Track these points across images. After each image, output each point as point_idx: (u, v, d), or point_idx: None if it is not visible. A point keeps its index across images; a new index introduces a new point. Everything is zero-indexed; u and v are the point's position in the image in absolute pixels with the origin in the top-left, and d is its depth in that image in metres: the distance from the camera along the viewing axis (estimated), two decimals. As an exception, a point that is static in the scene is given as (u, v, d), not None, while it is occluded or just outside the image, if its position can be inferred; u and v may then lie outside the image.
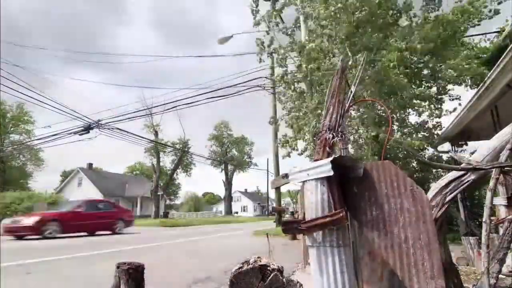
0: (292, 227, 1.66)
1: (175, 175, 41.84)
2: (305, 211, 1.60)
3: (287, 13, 9.31)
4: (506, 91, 4.39)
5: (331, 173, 1.49)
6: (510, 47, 3.71)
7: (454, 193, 1.94)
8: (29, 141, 32.36)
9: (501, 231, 2.30)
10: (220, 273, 3.94)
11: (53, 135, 18.86)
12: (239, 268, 1.71)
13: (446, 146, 7.87)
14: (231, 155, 51.13)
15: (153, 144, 31.73)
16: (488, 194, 1.80)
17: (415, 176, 7.07)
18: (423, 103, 7.13)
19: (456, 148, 7.27)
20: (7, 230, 9.87)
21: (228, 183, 49.53)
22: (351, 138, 6.73)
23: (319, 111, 6.46)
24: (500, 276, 1.79)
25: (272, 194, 39.80)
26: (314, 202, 1.55)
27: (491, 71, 4.27)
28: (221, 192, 57.80)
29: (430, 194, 2.04)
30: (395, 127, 7.09)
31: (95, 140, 18.13)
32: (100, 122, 17.89)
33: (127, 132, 19.65)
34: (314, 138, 6.84)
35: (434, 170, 7.20)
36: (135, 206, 35.23)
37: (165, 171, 41.47)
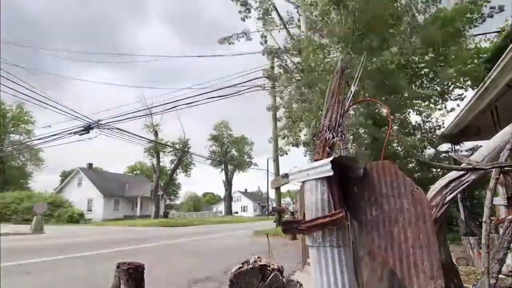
0: (292, 227, 1.66)
1: (175, 175, 41.84)
2: (305, 211, 1.60)
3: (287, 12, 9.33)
4: (506, 91, 4.39)
5: (331, 173, 1.49)
6: (510, 47, 3.71)
7: (454, 193, 1.94)
8: (29, 141, 32.35)
9: (501, 231, 2.30)
10: (220, 273, 3.94)
11: (53, 135, 18.85)
12: (239, 268, 1.72)
13: (446, 146, 7.88)
14: (231, 155, 51.13)
15: (153, 144, 31.73)
16: (488, 194, 1.80)
17: (415, 176, 7.07)
18: (423, 103, 7.13)
19: (455, 147, 7.28)
20: None
21: (228, 183, 49.52)
22: (351, 138, 6.73)
23: (320, 112, 6.47)
24: (500, 276, 1.79)
25: (272, 194, 39.80)
26: (314, 202, 1.55)
27: (491, 71, 4.27)
28: (221, 192, 57.84)
29: (430, 194, 2.04)
30: (395, 127, 7.08)
31: (95, 140, 18.12)
32: (100, 122, 17.89)
33: (127, 132, 19.65)
34: (314, 138, 6.83)
35: (434, 170, 7.19)
36: (135, 206, 35.23)
37: (165, 171, 41.46)
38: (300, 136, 8.25)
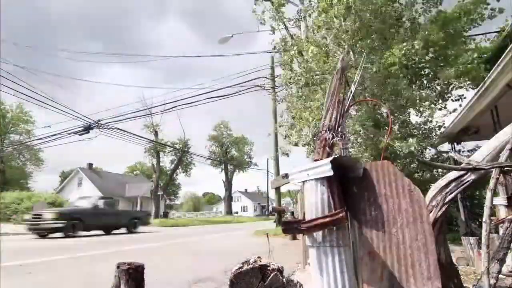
0: (292, 227, 1.66)
1: (175, 175, 41.82)
2: (305, 211, 1.60)
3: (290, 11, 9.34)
4: (506, 91, 4.39)
5: (331, 173, 1.49)
6: (510, 47, 3.71)
7: (454, 193, 1.94)
8: (29, 141, 32.35)
9: (501, 231, 2.30)
10: (220, 273, 3.93)
11: (53, 135, 18.87)
12: (239, 268, 1.72)
13: (446, 146, 7.88)
14: (231, 155, 51.13)
15: (153, 144, 31.72)
16: (488, 194, 1.80)
17: (415, 176, 7.06)
18: (424, 104, 7.13)
19: (456, 147, 7.28)
20: None
21: (228, 183, 49.53)
22: (351, 138, 6.72)
23: (320, 111, 6.47)
24: (500, 276, 1.79)
25: (272, 194, 39.79)
26: (314, 202, 1.55)
27: (491, 71, 4.27)
28: (221, 192, 57.84)
29: (430, 194, 2.04)
30: (395, 127, 7.07)
31: (95, 140, 18.13)
32: (100, 122, 17.89)
33: (127, 132, 19.65)
34: (314, 138, 6.83)
35: (434, 170, 7.19)
36: (135, 206, 35.22)
37: (165, 171, 41.46)
38: (301, 136, 8.24)
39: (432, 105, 7.26)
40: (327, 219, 1.47)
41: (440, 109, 7.75)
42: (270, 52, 10.10)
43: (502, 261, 1.75)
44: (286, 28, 9.34)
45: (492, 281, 1.64)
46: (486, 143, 2.03)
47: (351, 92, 2.11)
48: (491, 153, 1.92)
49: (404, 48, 5.79)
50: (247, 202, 62.31)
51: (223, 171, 49.31)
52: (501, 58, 3.88)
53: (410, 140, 5.97)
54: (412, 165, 7.05)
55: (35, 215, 10.43)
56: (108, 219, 12.40)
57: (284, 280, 1.76)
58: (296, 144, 8.50)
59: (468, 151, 7.58)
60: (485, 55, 8.38)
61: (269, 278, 1.68)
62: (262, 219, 37.94)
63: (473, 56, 7.05)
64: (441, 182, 2.03)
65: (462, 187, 1.93)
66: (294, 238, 8.23)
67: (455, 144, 7.45)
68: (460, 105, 7.66)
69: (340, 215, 1.45)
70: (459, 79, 7.22)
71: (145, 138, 26.49)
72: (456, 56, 7.05)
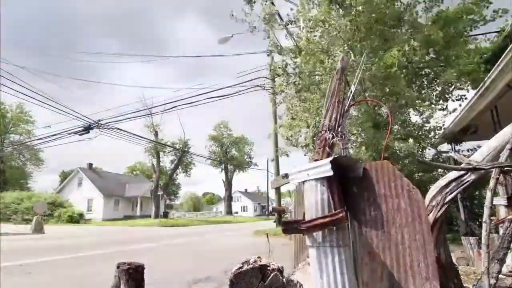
0: (292, 227, 1.66)
1: (175, 175, 41.82)
2: (305, 211, 1.60)
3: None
4: (506, 91, 4.39)
5: (331, 173, 1.49)
6: (510, 47, 3.71)
7: (454, 193, 1.94)
8: (29, 141, 32.34)
9: (501, 231, 2.30)
10: (220, 273, 3.93)
11: (53, 135, 18.84)
12: (239, 268, 1.71)
13: (446, 146, 7.88)
14: (231, 155, 51.12)
15: (153, 144, 31.72)
16: (488, 194, 1.80)
17: (415, 176, 7.06)
18: (424, 103, 7.13)
19: (455, 147, 7.28)
20: None
21: (228, 183, 49.52)
22: (351, 138, 6.72)
23: (320, 110, 6.46)
24: (500, 276, 1.79)
25: (272, 194, 39.78)
26: (314, 202, 1.55)
27: (491, 71, 4.27)
28: (221, 192, 57.84)
29: (430, 194, 2.04)
30: (395, 127, 7.08)
31: (95, 140, 18.11)
32: (100, 122, 17.88)
33: (127, 132, 19.64)
34: (314, 138, 6.83)
35: (434, 170, 7.18)
36: (135, 206, 35.23)
37: (165, 171, 41.45)
38: (299, 136, 8.25)
39: (432, 105, 7.26)
40: (327, 219, 1.47)
41: (440, 109, 7.75)
42: (269, 55, 10.06)
43: (502, 261, 1.75)
44: (286, 28, 9.32)
45: (492, 281, 1.64)
46: (486, 143, 2.03)
47: (351, 92, 2.11)
48: (491, 153, 1.92)
49: (403, 49, 5.79)
50: (247, 202, 62.29)
51: (223, 171, 49.31)
52: (501, 58, 3.88)
53: (410, 140, 5.97)
54: (411, 166, 7.04)
55: None
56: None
57: (284, 280, 1.76)
58: (295, 145, 8.51)
59: (467, 150, 7.58)
60: (485, 55, 8.38)
61: (269, 278, 1.68)
62: (262, 219, 37.94)
63: (474, 57, 7.04)
64: (441, 182, 2.03)
65: (462, 187, 1.93)
66: (294, 238, 8.22)
67: (454, 144, 7.45)
68: (460, 105, 7.67)
69: (340, 215, 1.45)
70: (460, 79, 7.22)
71: (145, 138, 26.49)
72: (457, 56, 7.05)
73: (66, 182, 35.11)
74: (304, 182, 1.64)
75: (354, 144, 6.85)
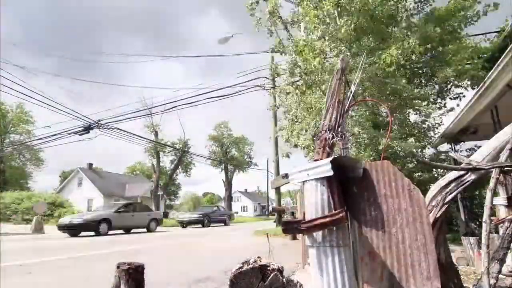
0: (292, 227, 1.66)
1: (175, 175, 41.81)
2: (305, 211, 1.60)
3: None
4: (506, 91, 4.38)
5: (331, 173, 1.49)
6: (510, 47, 3.71)
7: (454, 193, 1.94)
8: (29, 141, 32.33)
9: (501, 231, 2.30)
10: (220, 273, 3.93)
11: (53, 135, 18.81)
12: (239, 268, 1.72)
13: (446, 146, 7.87)
14: (231, 155, 51.10)
15: (153, 144, 31.71)
16: (488, 194, 1.80)
17: (415, 176, 7.06)
18: (423, 103, 7.13)
19: (455, 147, 7.27)
20: None
21: (228, 183, 49.47)
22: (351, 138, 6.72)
23: (319, 110, 6.46)
24: (500, 276, 1.79)
25: (272, 194, 39.76)
26: (314, 202, 1.55)
27: (491, 71, 4.26)
28: (221, 192, 57.75)
29: (430, 194, 2.04)
30: (395, 127, 7.07)
31: (95, 140, 18.09)
32: (100, 122, 17.87)
33: (127, 132, 19.61)
34: (314, 138, 6.82)
35: (434, 170, 7.18)
36: (135, 206, 35.18)
37: (165, 171, 41.44)
38: (299, 137, 8.25)
39: (431, 104, 7.27)
40: (327, 219, 1.47)
41: (439, 108, 7.76)
42: (276, 51, 10.01)
43: (502, 261, 1.75)
44: (286, 28, 9.32)
45: (492, 281, 1.64)
46: (486, 143, 2.03)
47: (351, 92, 2.11)
48: (491, 153, 1.92)
49: (401, 47, 5.79)
50: (247, 202, 62.28)
51: (223, 171, 49.27)
52: (501, 58, 3.88)
53: (410, 140, 5.97)
54: (411, 165, 7.04)
55: None
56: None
57: (284, 280, 1.76)
58: (296, 146, 8.52)
59: (466, 150, 7.58)
60: (485, 55, 8.38)
61: (269, 278, 1.68)
62: (262, 219, 37.94)
63: (470, 55, 7.05)
64: (441, 182, 2.03)
65: (462, 187, 1.93)
66: (294, 238, 8.23)
67: (454, 144, 7.45)
68: (458, 105, 7.67)
69: (340, 215, 1.45)
70: (457, 77, 7.23)
71: (145, 138, 26.43)
72: (453, 53, 7.07)
73: (66, 182, 35.12)
74: (304, 182, 1.64)
75: (354, 144, 6.85)
